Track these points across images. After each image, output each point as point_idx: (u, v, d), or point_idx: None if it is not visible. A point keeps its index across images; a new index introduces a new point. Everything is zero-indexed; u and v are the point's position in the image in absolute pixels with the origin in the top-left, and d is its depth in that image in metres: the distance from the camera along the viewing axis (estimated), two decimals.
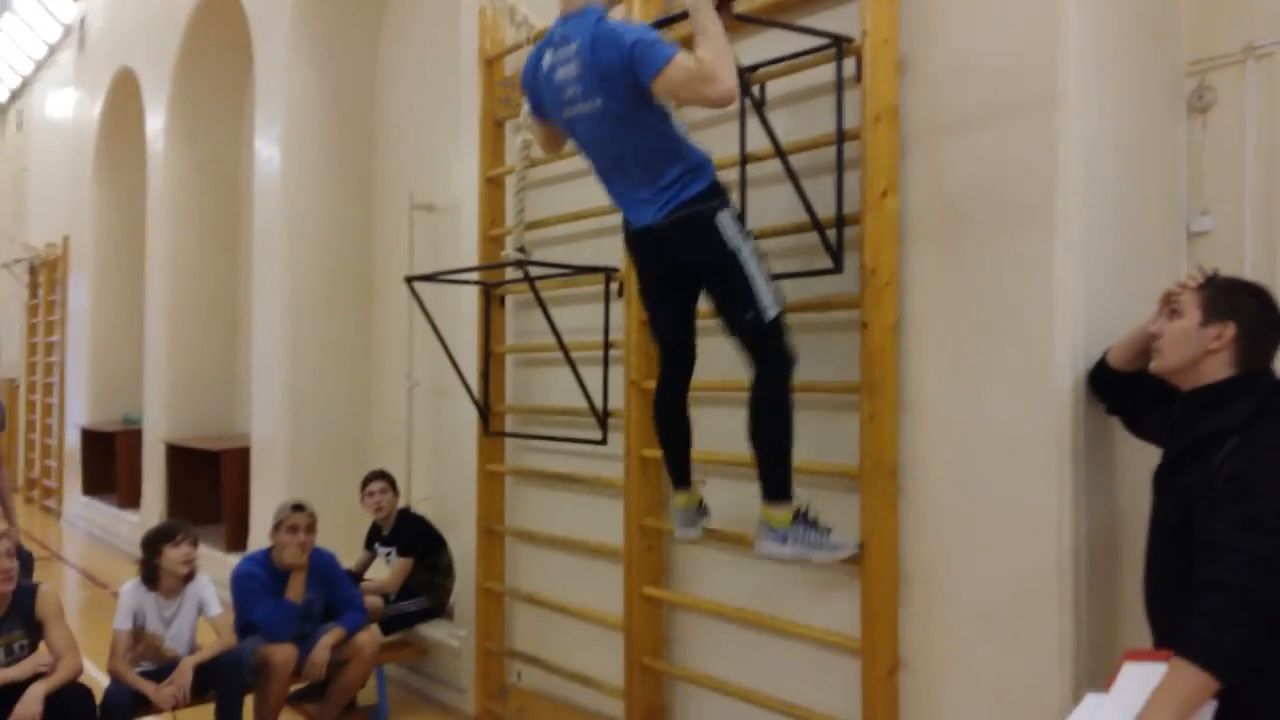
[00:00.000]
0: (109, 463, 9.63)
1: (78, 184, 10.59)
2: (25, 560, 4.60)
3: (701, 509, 3.14)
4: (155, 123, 8.59)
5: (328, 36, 6.48)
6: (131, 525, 8.83)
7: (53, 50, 12.22)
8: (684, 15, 2.54)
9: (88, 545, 9.69)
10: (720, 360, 3.14)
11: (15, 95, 14.26)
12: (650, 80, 2.47)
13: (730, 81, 2.37)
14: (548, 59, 2.72)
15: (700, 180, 2.65)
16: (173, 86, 8.27)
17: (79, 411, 10.36)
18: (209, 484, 7.58)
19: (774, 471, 2.74)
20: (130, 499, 9.07)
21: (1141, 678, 1.94)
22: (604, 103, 2.58)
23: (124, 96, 9.56)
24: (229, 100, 8.43)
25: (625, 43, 2.49)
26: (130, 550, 8.74)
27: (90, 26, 10.52)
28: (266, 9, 6.75)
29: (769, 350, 2.71)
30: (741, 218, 2.75)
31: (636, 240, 2.80)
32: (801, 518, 2.76)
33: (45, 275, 11.83)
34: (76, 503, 10.47)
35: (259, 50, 6.86)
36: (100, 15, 10.24)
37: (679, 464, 3.06)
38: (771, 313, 2.67)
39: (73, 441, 10.52)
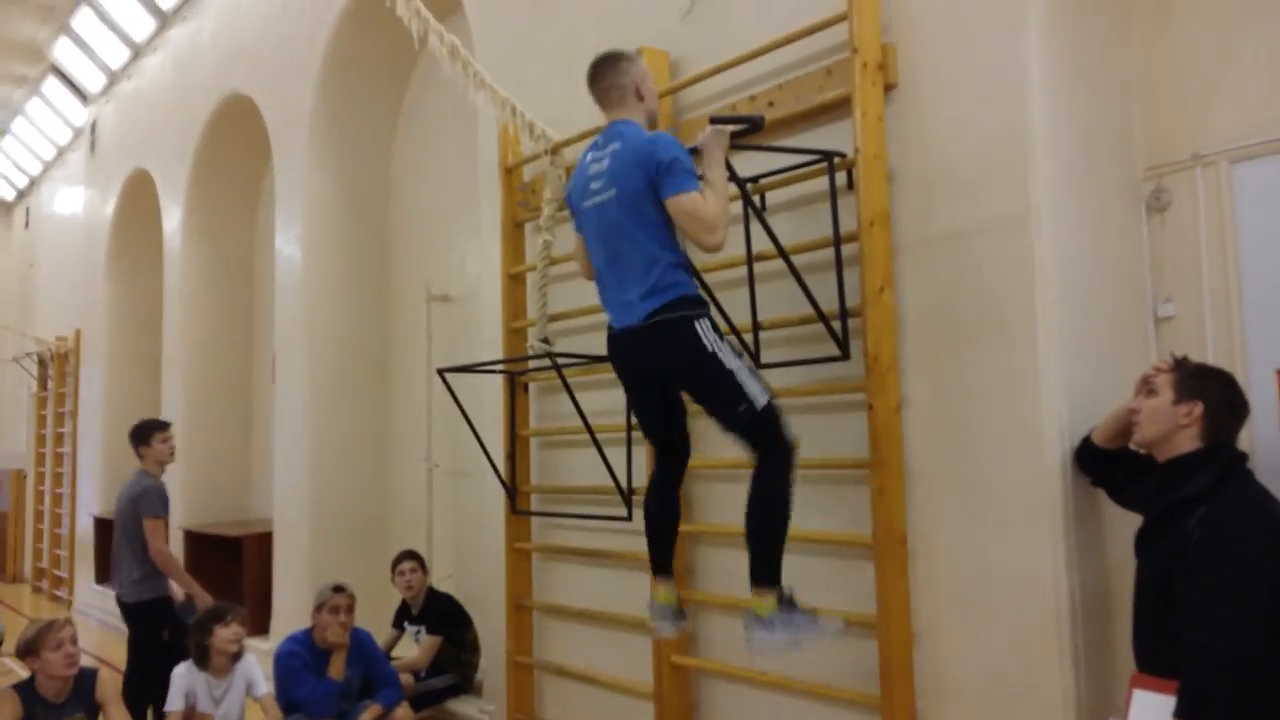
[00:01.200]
0: None
1: (90, 279, 10.90)
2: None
3: (680, 613, 3.19)
4: (171, 222, 8.95)
5: (344, 138, 6.88)
6: None
7: (62, 151, 12.64)
8: (694, 151, 2.89)
9: (101, 634, 9.77)
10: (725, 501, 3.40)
11: (22, 195, 14.66)
12: (667, 194, 2.77)
13: (722, 236, 2.77)
14: (590, 158, 3.02)
15: (680, 289, 2.85)
16: (189, 187, 8.64)
17: (91, 500, 10.52)
18: (229, 570, 7.75)
19: (765, 557, 2.84)
20: None
21: (1154, 708, 2.24)
22: (619, 193, 2.86)
23: (137, 195, 9.94)
24: (244, 199, 8.81)
25: (665, 154, 2.78)
26: None
27: (102, 130, 10.95)
28: (284, 113, 7.16)
29: (769, 438, 2.84)
30: (718, 328, 2.91)
31: (618, 343, 2.97)
32: (786, 602, 2.84)
33: (55, 368, 12.07)
34: (89, 591, 10.57)
35: (278, 154, 7.24)
36: (112, 119, 10.68)
37: (663, 552, 3.16)
38: (762, 400, 2.81)
39: (84, 530, 10.66)
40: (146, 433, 5.39)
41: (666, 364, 2.88)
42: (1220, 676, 2.12)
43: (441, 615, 5.24)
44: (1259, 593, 2.15)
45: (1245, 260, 2.94)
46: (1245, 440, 2.88)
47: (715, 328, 2.88)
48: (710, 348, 2.81)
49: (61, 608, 11.21)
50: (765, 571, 2.84)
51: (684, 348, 2.82)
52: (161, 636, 4.43)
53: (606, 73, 3.01)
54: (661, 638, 3.39)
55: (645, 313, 2.84)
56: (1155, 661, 2.36)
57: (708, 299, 3.05)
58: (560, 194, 4.33)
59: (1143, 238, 3.15)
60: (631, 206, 2.85)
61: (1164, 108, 3.13)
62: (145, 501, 5.15)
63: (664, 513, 3.17)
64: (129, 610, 5.27)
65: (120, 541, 5.25)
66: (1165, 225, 3.11)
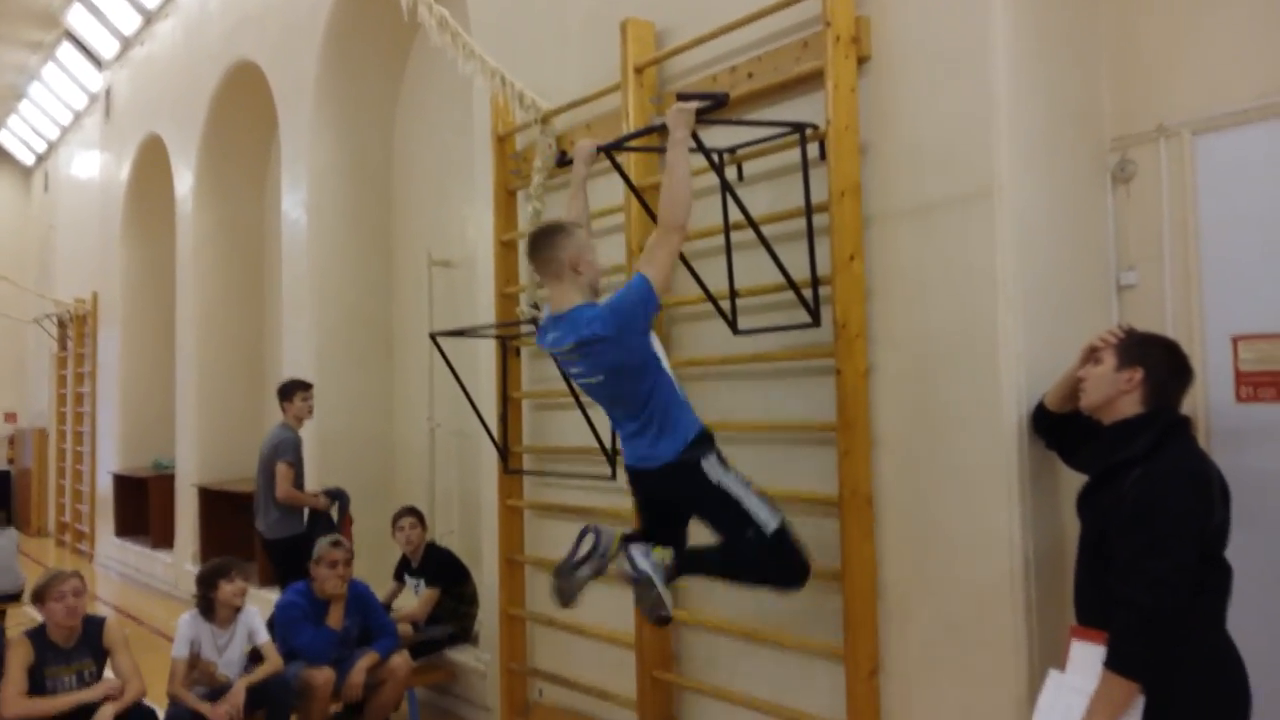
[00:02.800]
0: (141, 507, 10.06)
1: (106, 242, 11.11)
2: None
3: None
4: (183, 185, 9.10)
5: (348, 105, 6.99)
6: (165, 565, 9.26)
7: (79, 116, 12.79)
8: (662, 127, 2.97)
9: (121, 585, 10.10)
10: (728, 400, 3.54)
11: (41, 159, 14.86)
12: (652, 293, 2.87)
13: (684, 218, 2.91)
14: (552, 338, 3.06)
15: (687, 430, 2.98)
16: (200, 152, 8.79)
17: (110, 458, 10.80)
18: (241, 524, 7.98)
19: (702, 567, 3.12)
20: (163, 540, 9.49)
21: (1089, 658, 2.37)
22: (606, 375, 2.97)
23: (151, 160, 10.10)
24: (253, 163, 8.94)
25: (626, 300, 2.89)
26: (163, 588, 9.19)
27: (116, 95, 11.09)
28: (290, 82, 7.27)
29: (784, 564, 2.99)
30: (723, 459, 3.02)
31: (634, 477, 3.13)
32: (670, 572, 3.04)
33: (75, 329, 12.32)
34: (109, 545, 10.89)
35: (283, 120, 7.36)
36: (126, 85, 10.82)
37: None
38: (772, 525, 2.93)
39: (104, 487, 10.96)
40: (290, 391, 5.98)
41: (679, 498, 3.08)
42: (1145, 629, 2.23)
43: (440, 568, 5.42)
44: (1185, 550, 2.26)
45: (1206, 230, 3.01)
46: (1200, 406, 2.98)
47: (721, 460, 3.01)
48: (715, 480, 2.95)
49: (83, 561, 11.55)
50: (691, 565, 3.11)
51: (693, 486, 2.98)
52: (303, 568, 4.92)
53: (543, 247, 3.05)
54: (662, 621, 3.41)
55: (659, 463, 2.98)
56: (1092, 614, 2.47)
57: (709, 431, 3.10)
58: (549, 163, 4.43)
59: (1108, 208, 3.22)
60: (622, 376, 2.97)
61: (1131, 80, 3.19)
62: (281, 449, 5.81)
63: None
64: (270, 546, 5.98)
65: (261, 485, 5.95)
66: (1130, 196, 3.18)
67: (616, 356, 2.93)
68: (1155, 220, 3.12)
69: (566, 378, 3.72)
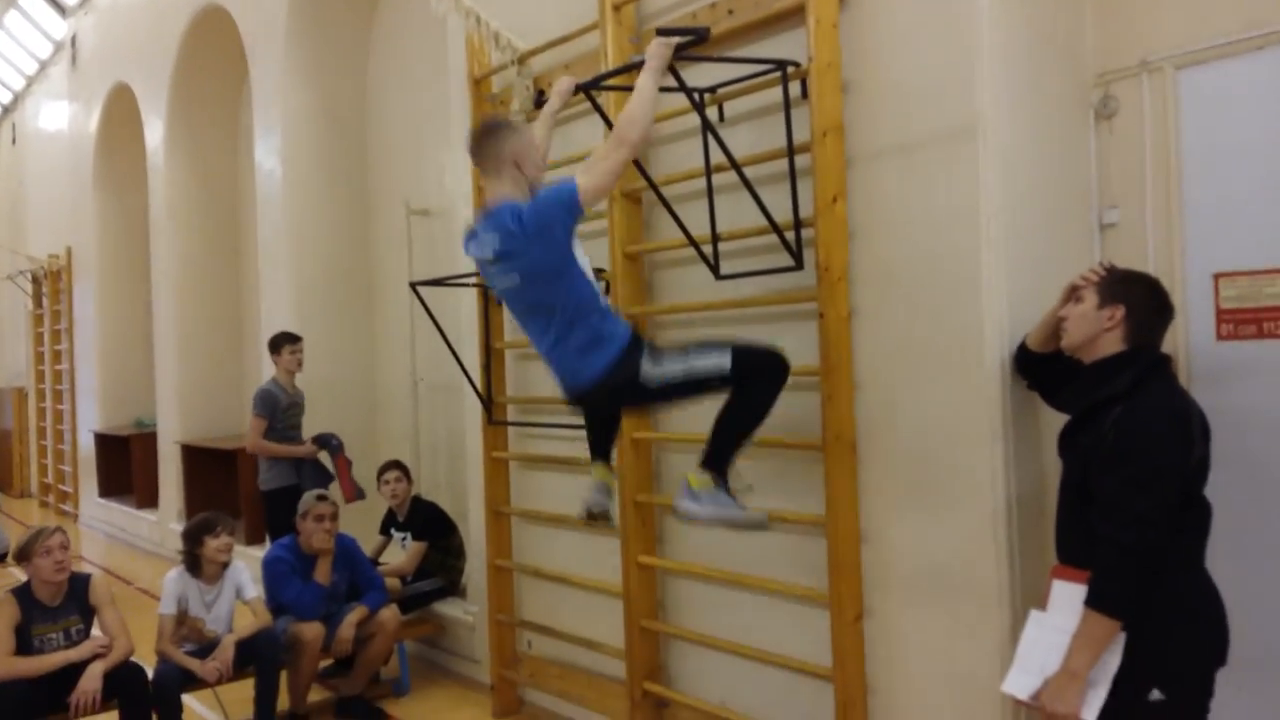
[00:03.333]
0: (123, 466, 10.01)
1: (78, 195, 10.90)
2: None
3: (611, 488, 3.40)
4: (154, 136, 8.92)
5: (319, 50, 6.82)
6: (150, 524, 9.24)
7: (44, 66, 12.48)
8: (641, 64, 2.90)
9: (107, 545, 10.08)
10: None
11: (7, 110, 14.51)
12: (580, 201, 2.72)
13: (637, 137, 2.72)
14: (474, 243, 2.93)
15: (615, 343, 2.85)
16: (170, 100, 8.60)
17: (91, 416, 10.72)
18: (224, 481, 7.97)
19: (722, 449, 2.93)
20: (147, 499, 9.46)
21: (1070, 596, 2.38)
22: (521, 275, 2.82)
23: (120, 110, 9.88)
24: (225, 111, 8.77)
25: (546, 203, 2.75)
26: (149, 547, 9.18)
27: (82, 43, 10.81)
28: (259, 25, 7.09)
29: (754, 375, 2.90)
30: (655, 350, 2.89)
31: (572, 397, 3.01)
32: (721, 486, 2.93)
33: (49, 285, 12.15)
34: (93, 505, 10.85)
35: (254, 65, 7.19)
36: (92, 32, 10.54)
37: (601, 438, 3.39)
38: (725, 362, 2.83)
39: (86, 446, 10.88)
40: (278, 344, 5.94)
41: (627, 408, 3.07)
42: (1125, 567, 2.24)
43: (426, 522, 5.42)
44: (1166, 488, 2.26)
45: (1187, 167, 2.98)
46: (1181, 344, 2.98)
47: (654, 355, 2.87)
48: (657, 381, 2.84)
49: (68, 521, 11.52)
50: (715, 458, 2.95)
51: (641, 394, 2.91)
52: (292, 520, 4.95)
53: (485, 140, 2.92)
54: (592, 517, 3.44)
55: (590, 379, 2.87)
56: (1073, 553, 2.48)
57: (635, 329, 3.01)
58: (527, 105, 4.34)
59: (1090, 145, 3.18)
60: (538, 280, 2.83)
61: (1114, 14, 3.13)
62: (253, 403, 5.86)
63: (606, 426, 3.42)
64: (262, 499, 6.00)
65: None
66: (1113, 132, 3.14)
67: (532, 258, 2.78)
68: (1138, 157, 3.09)
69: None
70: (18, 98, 13.90)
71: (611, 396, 2.99)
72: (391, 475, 5.45)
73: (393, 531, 5.54)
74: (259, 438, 5.78)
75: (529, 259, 2.80)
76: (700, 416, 3.60)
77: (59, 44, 11.69)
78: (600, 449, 3.40)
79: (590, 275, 2.90)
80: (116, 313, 10.36)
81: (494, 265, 2.88)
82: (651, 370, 2.85)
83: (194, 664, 4.20)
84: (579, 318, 2.84)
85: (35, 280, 12.70)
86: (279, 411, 5.81)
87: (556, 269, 2.81)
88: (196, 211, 8.78)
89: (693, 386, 2.88)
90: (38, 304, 12.79)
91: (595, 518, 3.38)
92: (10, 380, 14.46)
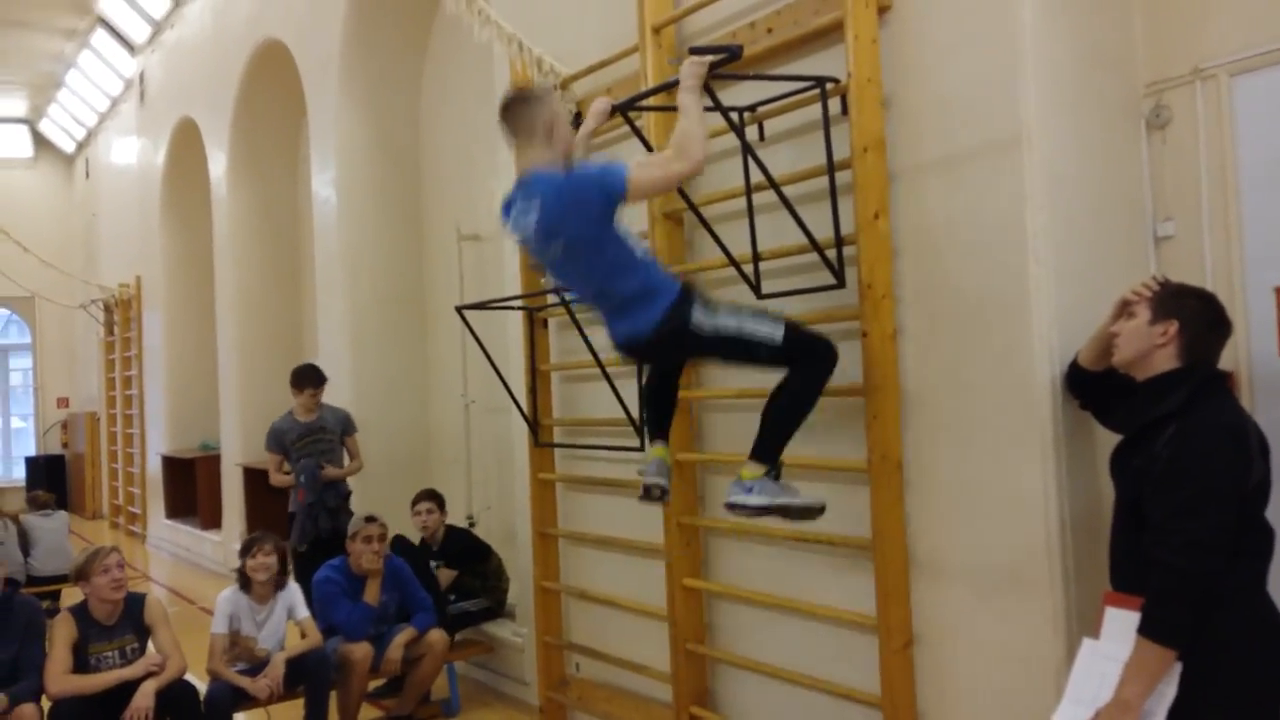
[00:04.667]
0: (189, 488, 10.24)
1: (146, 227, 11.26)
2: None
3: (669, 466, 3.32)
4: (217, 168, 9.17)
5: (374, 81, 6.97)
6: (214, 544, 9.43)
7: (115, 102, 12.94)
8: (677, 83, 2.89)
9: (173, 565, 10.31)
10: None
11: (81, 146, 15.08)
12: (624, 190, 2.74)
13: (699, 155, 2.71)
14: (514, 214, 2.95)
15: (666, 296, 2.87)
16: (232, 133, 8.85)
17: (158, 440, 11.00)
18: (285, 503, 8.07)
19: (771, 439, 2.92)
20: (211, 520, 9.66)
21: (1123, 624, 2.29)
22: (566, 242, 2.84)
23: (186, 143, 10.20)
24: (285, 142, 8.98)
25: (590, 179, 2.79)
26: (213, 567, 9.36)
27: (150, 79, 11.19)
28: (315, 59, 7.26)
29: (804, 358, 2.91)
30: (709, 302, 2.92)
31: (627, 350, 3.05)
32: (772, 475, 2.91)
33: (120, 314, 12.54)
34: (160, 526, 11.12)
35: (311, 98, 7.36)
36: (159, 68, 10.91)
37: (661, 418, 3.30)
38: (778, 335, 2.85)
39: (154, 469, 11.17)
40: (300, 383, 6.11)
41: (680, 356, 3.05)
42: (1179, 594, 2.14)
43: (459, 550, 5.45)
44: (1222, 510, 2.16)
45: (1245, 176, 2.87)
46: (1242, 359, 2.86)
47: (707, 305, 2.90)
48: (711, 329, 2.86)
49: (136, 542, 11.81)
50: (765, 450, 2.92)
51: (692, 342, 2.92)
52: (296, 550, 5.33)
53: (516, 106, 2.94)
54: (650, 494, 3.34)
55: (643, 331, 2.89)
56: (1127, 579, 2.38)
57: (686, 282, 3.05)
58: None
59: (1142, 156, 3.08)
60: (586, 247, 2.85)
61: (1164, 20, 3.03)
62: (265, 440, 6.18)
63: (662, 388, 3.31)
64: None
65: None
66: (1166, 143, 3.04)
67: (570, 230, 2.81)
68: (1193, 168, 2.98)
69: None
70: (91, 134, 14.44)
71: (664, 346, 2.96)
72: (423, 506, 5.48)
73: (430, 562, 5.56)
74: (274, 472, 6.08)
75: (568, 231, 2.82)
76: (745, 439, 3.57)
77: (129, 81, 12.12)
78: (658, 427, 3.32)
79: (633, 235, 2.93)
80: (183, 339, 10.65)
81: (534, 236, 2.90)
82: (705, 319, 2.86)
83: (245, 681, 4.25)
84: (626, 277, 2.87)
85: (107, 309, 13.12)
86: (289, 445, 5.94)
87: (596, 238, 2.83)
88: (257, 240, 9.00)
89: (742, 347, 2.87)
90: (109, 332, 13.20)
91: (653, 496, 3.30)
92: (84, 405, 14.93)
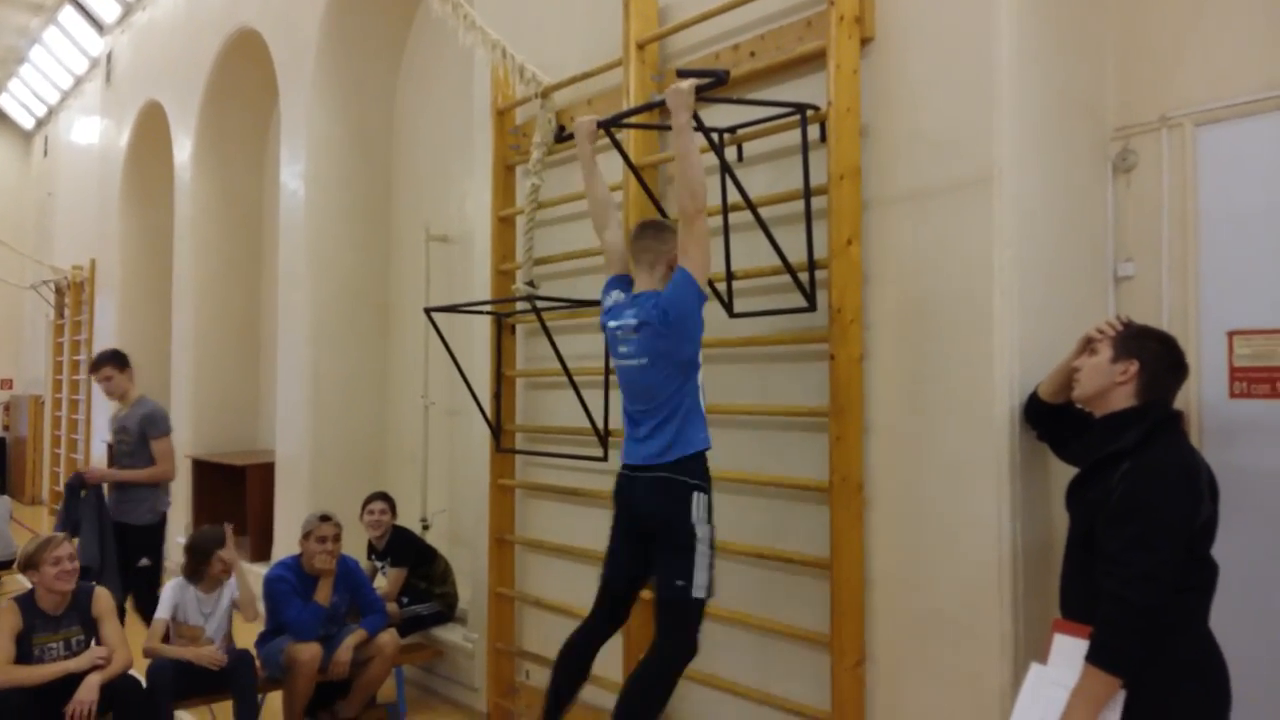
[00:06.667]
0: None
1: (104, 209, 11.04)
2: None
3: None
4: (182, 154, 9.04)
5: (349, 78, 6.92)
6: None
7: (79, 81, 12.70)
8: (661, 104, 2.94)
9: None
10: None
11: (41, 123, 14.77)
12: (698, 285, 2.99)
13: (703, 199, 2.95)
14: (613, 321, 3.21)
15: (693, 446, 3.05)
16: (199, 120, 8.72)
17: (105, 427, 10.76)
18: (234, 497, 7.97)
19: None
20: None
21: (1071, 652, 2.35)
22: (650, 359, 3.05)
23: (151, 127, 10.02)
24: (253, 133, 8.87)
25: (674, 298, 3.01)
26: None
27: (117, 60, 11.00)
28: (291, 51, 7.20)
29: (679, 627, 3.01)
30: (710, 508, 3.06)
31: (624, 485, 3.18)
32: None
33: (71, 296, 12.27)
34: None
35: (284, 90, 7.29)
36: (127, 50, 10.73)
37: (559, 705, 3.25)
38: (699, 594, 2.98)
39: (98, 456, 10.93)
40: (96, 365, 5.75)
41: (656, 516, 3.07)
42: (1128, 624, 2.22)
43: (404, 550, 5.42)
44: (1171, 545, 2.24)
45: (1205, 223, 2.98)
46: (1193, 400, 2.96)
47: (709, 507, 3.06)
48: (693, 521, 3.01)
49: None
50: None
51: (674, 509, 3.02)
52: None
53: (654, 235, 3.19)
54: None
55: (654, 460, 3.06)
56: (1077, 608, 2.46)
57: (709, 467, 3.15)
58: (549, 139, 4.39)
59: (1107, 198, 3.19)
60: (662, 367, 3.05)
61: (1135, 69, 3.15)
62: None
63: (576, 664, 3.28)
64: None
65: None
66: (1130, 186, 3.15)
67: (668, 343, 3.02)
68: (1155, 212, 3.09)
69: (607, 356, 3.70)
70: (52, 111, 14.15)
71: (658, 494, 3.05)
72: (377, 506, 5.45)
73: (373, 559, 5.53)
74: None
75: (665, 346, 3.03)
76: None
77: (95, 60, 11.90)
78: (555, 709, 3.26)
79: (700, 380, 3.12)
80: (136, 326, 10.44)
81: (628, 342, 3.12)
82: (700, 509, 3.03)
83: (188, 651, 4.23)
84: (679, 414, 3.05)
85: (58, 291, 12.84)
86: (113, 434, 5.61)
87: (684, 362, 3.06)
88: (219, 229, 8.87)
89: (683, 561, 2.99)
90: (59, 314, 12.91)
91: None
92: (28, 388, 14.58)
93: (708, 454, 3.11)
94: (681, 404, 3.06)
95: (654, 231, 3.21)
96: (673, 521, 3.02)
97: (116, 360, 5.67)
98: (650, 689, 3.00)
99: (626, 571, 3.24)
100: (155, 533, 5.51)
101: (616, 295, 3.25)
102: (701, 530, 3.01)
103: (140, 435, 5.49)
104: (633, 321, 3.10)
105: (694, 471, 3.05)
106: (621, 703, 3.00)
